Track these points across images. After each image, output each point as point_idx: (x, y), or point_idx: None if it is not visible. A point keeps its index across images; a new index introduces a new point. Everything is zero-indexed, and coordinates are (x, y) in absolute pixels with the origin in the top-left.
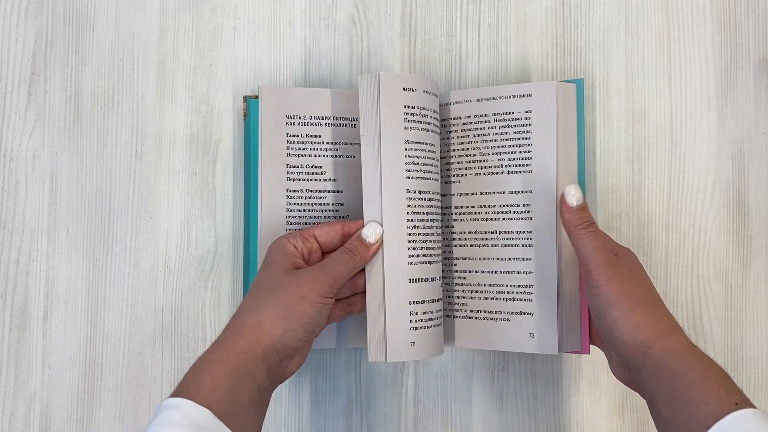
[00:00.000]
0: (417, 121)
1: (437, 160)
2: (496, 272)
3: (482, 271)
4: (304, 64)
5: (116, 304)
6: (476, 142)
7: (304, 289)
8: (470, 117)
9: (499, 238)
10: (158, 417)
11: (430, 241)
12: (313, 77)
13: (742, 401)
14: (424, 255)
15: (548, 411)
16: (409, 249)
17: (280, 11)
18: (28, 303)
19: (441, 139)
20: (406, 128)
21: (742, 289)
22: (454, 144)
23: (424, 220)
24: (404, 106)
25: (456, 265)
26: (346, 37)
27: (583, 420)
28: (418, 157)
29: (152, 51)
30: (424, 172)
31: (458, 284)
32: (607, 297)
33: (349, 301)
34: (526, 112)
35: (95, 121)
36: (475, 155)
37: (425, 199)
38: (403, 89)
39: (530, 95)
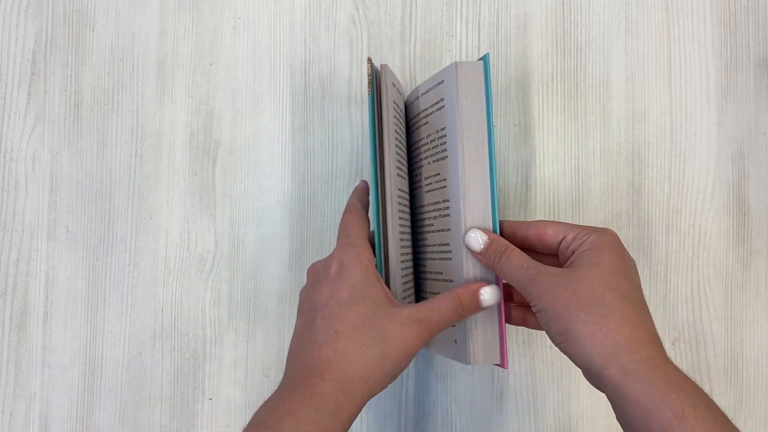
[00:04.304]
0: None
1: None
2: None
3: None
4: (304, 64)
5: (116, 304)
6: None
7: (410, 344)
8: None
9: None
10: None
11: None
12: (313, 77)
13: None
14: None
15: (548, 411)
16: None
17: (280, 11)
18: (28, 303)
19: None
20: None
21: (742, 289)
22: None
23: None
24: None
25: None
26: (346, 37)
27: (583, 420)
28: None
29: (152, 51)
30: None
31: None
32: (546, 311)
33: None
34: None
35: (95, 121)
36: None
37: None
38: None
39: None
